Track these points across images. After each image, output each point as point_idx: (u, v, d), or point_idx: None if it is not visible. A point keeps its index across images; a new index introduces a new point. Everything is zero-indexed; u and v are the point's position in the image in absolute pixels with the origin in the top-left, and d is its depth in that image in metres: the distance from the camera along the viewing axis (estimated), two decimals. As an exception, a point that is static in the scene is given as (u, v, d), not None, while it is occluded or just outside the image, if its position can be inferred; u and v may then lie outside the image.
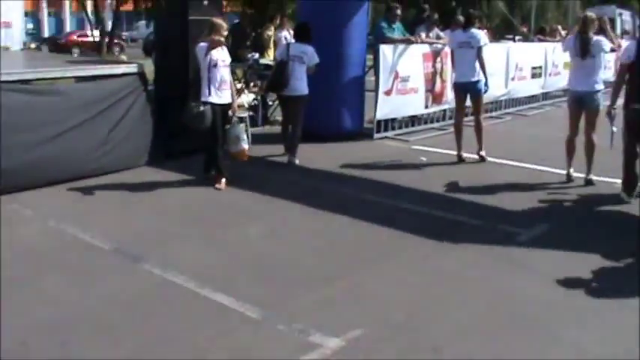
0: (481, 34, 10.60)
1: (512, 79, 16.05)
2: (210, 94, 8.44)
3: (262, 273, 6.06)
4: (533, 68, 17.22)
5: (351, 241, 6.98)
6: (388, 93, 12.11)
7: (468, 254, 6.66)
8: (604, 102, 9.17)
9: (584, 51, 9.13)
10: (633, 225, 7.71)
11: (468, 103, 10.95)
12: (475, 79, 10.54)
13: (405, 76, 12.41)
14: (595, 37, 9.24)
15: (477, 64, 10.48)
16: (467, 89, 10.70)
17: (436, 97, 13.32)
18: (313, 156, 10.52)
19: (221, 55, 8.54)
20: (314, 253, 6.57)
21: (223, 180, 8.66)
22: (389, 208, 8.08)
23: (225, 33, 8.64)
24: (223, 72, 8.57)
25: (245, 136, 9.18)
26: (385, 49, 11.99)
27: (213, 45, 8.43)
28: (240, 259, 6.38)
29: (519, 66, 16.39)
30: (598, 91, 9.26)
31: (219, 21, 8.61)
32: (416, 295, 5.69)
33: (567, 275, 6.11)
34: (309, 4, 11.81)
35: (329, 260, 6.42)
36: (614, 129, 8.52)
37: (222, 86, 8.58)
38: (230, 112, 8.85)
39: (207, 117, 8.36)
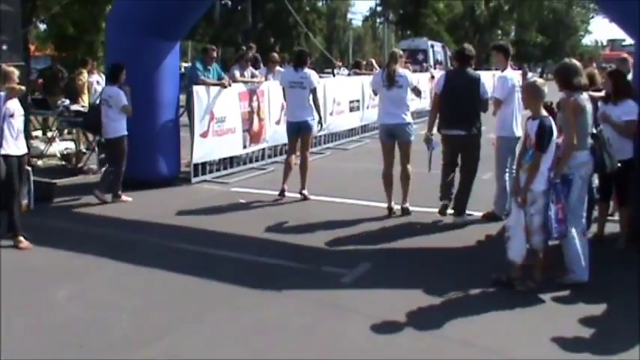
0: (313, 75, 10.57)
1: (331, 113, 16.12)
2: (9, 145, 7.80)
3: (73, 340, 5.50)
4: (351, 102, 17.43)
5: (169, 296, 6.53)
6: (204, 135, 11.75)
7: (292, 302, 6.39)
8: (416, 132, 9.50)
9: (390, 82, 9.26)
10: (451, 256, 7.76)
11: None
12: (307, 118, 10.50)
13: (221, 116, 12.11)
14: (401, 70, 9.46)
15: (310, 103, 10.49)
16: (299, 128, 10.59)
17: (254, 137, 13.11)
18: (128, 205, 9.99)
19: (16, 104, 7.93)
20: (130, 314, 6.06)
21: (22, 238, 7.95)
22: (208, 257, 7.69)
23: (17, 80, 8.04)
24: (20, 122, 7.97)
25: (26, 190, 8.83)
26: (199, 90, 11.65)
27: (13, 94, 7.86)
28: (48, 326, 5.79)
29: (337, 100, 16.51)
30: (408, 123, 9.41)
31: (10, 68, 8.03)
32: (237, 352, 5.34)
33: (391, 317, 5.96)
34: (117, 46, 11.26)
35: (146, 320, 5.96)
36: (434, 150, 9.06)
37: (20, 136, 7.98)
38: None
39: (1, 169, 7.73)
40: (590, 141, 6.78)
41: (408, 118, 9.48)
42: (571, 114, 6.63)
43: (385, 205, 9.58)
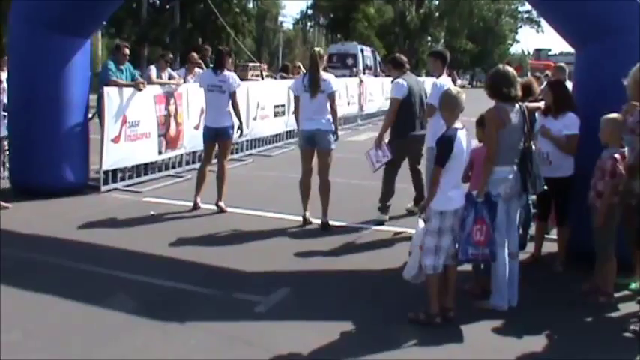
0: (233, 77, 9.78)
1: (254, 118, 15.39)
2: None
3: None
4: (276, 106, 16.71)
5: (54, 330, 5.67)
6: (116, 140, 10.87)
7: (198, 336, 5.62)
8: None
9: (314, 89, 8.61)
10: (376, 280, 7.12)
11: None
12: (226, 124, 9.77)
13: (135, 120, 11.24)
14: (325, 75, 8.87)
15: (230, 109, 9.77)
16: (217, 135, 9.82)
17: (171, 142, 12.26)
18: (28, 217, 9.06)
19: None
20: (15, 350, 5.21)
21: None
22: (108, 279, 6.85)
23: None
24: None
25: None
26: (110, 92, 10.77)
27: None
28: None
29: (261, 105, 15.78)
30: (329, 130, 8.87)
31: None
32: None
33: (307, 356, 5.27)
34: (19, 42, 10.31)
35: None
36: (387, 158, 9.01)
37: None
38: None
39: None
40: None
41: (330, 125, 8.87)
42: (492, 126, 6.06)
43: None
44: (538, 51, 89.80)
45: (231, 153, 14.33)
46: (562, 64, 10.41)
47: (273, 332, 5.73)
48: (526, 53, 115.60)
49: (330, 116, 8.90)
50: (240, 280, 6.99)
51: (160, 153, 12.05)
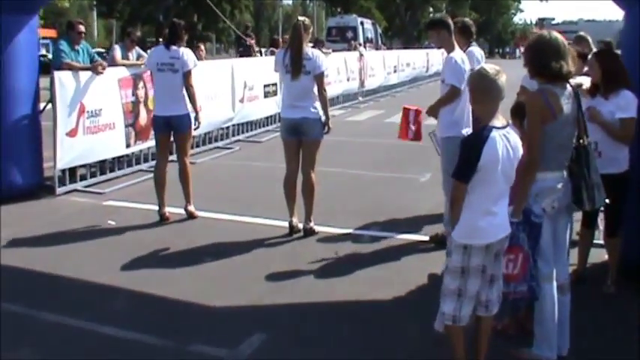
0: (188, 54, 8.07)
1: (241, 100, 13.74)
2: None
3: None
4: (266, 86, 15.03)
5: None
6: (72, 133, 9.25)
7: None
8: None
9: (296, 69, 7.05)
10: (384, 310, 5.50)
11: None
12: (180, 112, 8.05)
13: (95, 109, 9.62)
14: (310, 51, 7.22)
15: (183, 93, 8.04)
16: (170, 125, 8.12)
17: (141, 133, 10.62)
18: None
19: None
20: None
21: None
22: (29, 325, 5.24)
23: None
24: None
25: None
26: (63, 77, 9.14)
27: None
28: None
29: (249, 85, 14.11)
30: (317, 118, 7.30)
31: None
32: None
33: None
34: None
35: None
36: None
37: None
38: None
39: None
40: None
41: (318, 112, 7.30)
42: (536, 117, 4.37)
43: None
44: (541, 20, 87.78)
45: (216, 140, 12.90)
46: (582, 33, 8.52)
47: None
48: (529, 22, 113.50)
49: (318, 102, 7.29)
50: (200, 321, 5.35)
51: (128, 146, 10.43)
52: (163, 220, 8.03)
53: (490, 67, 4.06)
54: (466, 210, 4.04)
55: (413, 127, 7.46)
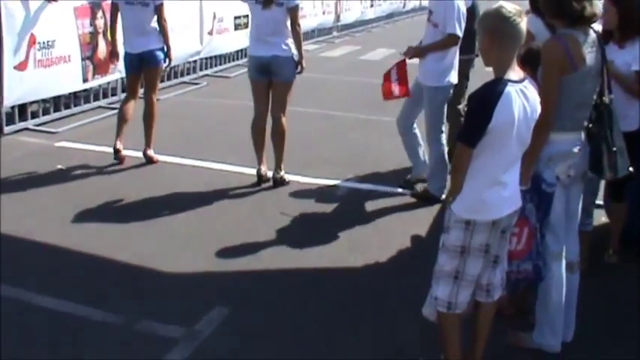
0: None
1: (210, 32, 12.88)
2: None
3: None
4: (237, 18, 14.14)
5: None
6: (22, 67, 8.40)
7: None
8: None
9: None
10: (361, 281, 4.88)
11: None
12: (152, 47, 7.40)
13: (48, 40, 8.75)
14: None
15: (155, 26, 7.38)
16: (141, 61, 7.44)
17: (100, 66, 9.77)
18: None
19: None
20: None
21: None
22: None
23: None
24: None
25: None
26: (9, 5, 8.25)
27: None
28: None
29: (218, 16, 13.23)
30: (289, 56, 6.64)
31: None
32: None
33: None
34: None
35: None
36: None
37: None
38: None
39: None
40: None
41: (290, 50, 6.63)
42: (553, 68, 3.69)
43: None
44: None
45: (182, 74, 12.12)
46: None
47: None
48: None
49: (290, 39, 6.56)
50: (152, 293, 4.69)
51: (85, 80, 9.58)
52: (118, 158, 7.34)
53: (511, 5, 3.30)
54: (470, 179, 3.35)
55: (396, 87, 6.62)
